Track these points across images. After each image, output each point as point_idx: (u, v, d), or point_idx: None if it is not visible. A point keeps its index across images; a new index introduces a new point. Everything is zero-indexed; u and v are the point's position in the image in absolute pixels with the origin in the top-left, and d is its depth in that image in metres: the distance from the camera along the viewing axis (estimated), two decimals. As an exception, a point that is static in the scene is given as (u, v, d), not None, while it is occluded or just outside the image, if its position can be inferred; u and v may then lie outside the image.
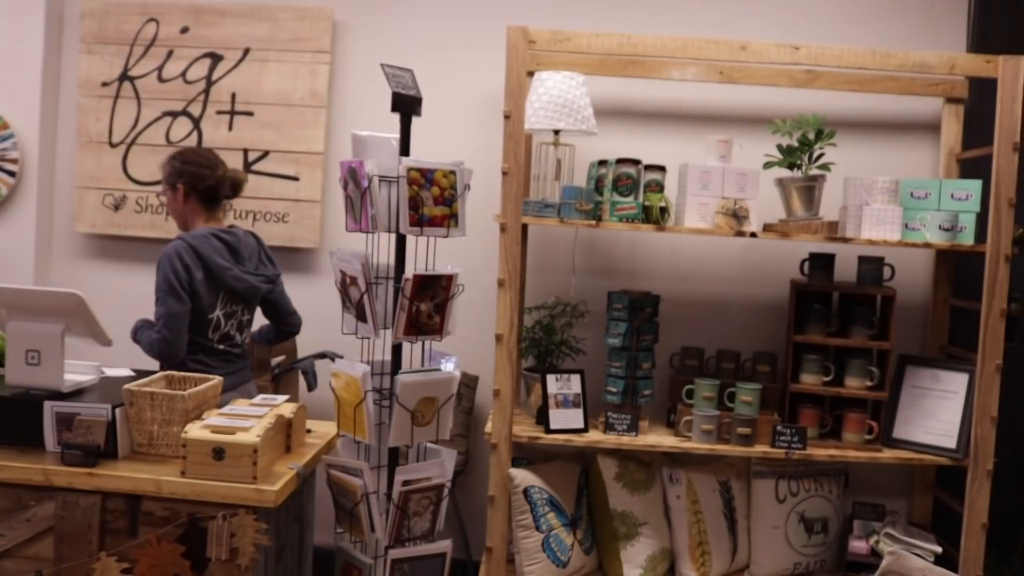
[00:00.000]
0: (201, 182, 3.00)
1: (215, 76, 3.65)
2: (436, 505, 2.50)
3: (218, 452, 2.22)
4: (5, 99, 3.70)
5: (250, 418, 2.36)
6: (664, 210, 3.21)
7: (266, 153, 3.64)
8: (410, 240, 2.46)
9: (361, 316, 2.40)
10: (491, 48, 3.57)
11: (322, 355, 3.45)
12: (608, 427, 3.25)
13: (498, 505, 3.13)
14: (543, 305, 3.47)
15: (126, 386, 2.37)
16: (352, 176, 2.41)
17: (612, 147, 3.51)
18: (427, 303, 2.40)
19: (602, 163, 3.26)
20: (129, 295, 3.55)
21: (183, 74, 3.67)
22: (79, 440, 2.29)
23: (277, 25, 3.62)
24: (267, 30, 3.62)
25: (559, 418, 3.25)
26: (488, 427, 3.15)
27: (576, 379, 3.29)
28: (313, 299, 3.65)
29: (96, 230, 3.74)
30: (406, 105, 2.47)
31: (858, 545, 3.26)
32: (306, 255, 3.72)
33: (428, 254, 2.47)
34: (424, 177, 2.37)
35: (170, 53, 3.67)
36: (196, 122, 3.67)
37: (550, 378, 3.25)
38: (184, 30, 3.66)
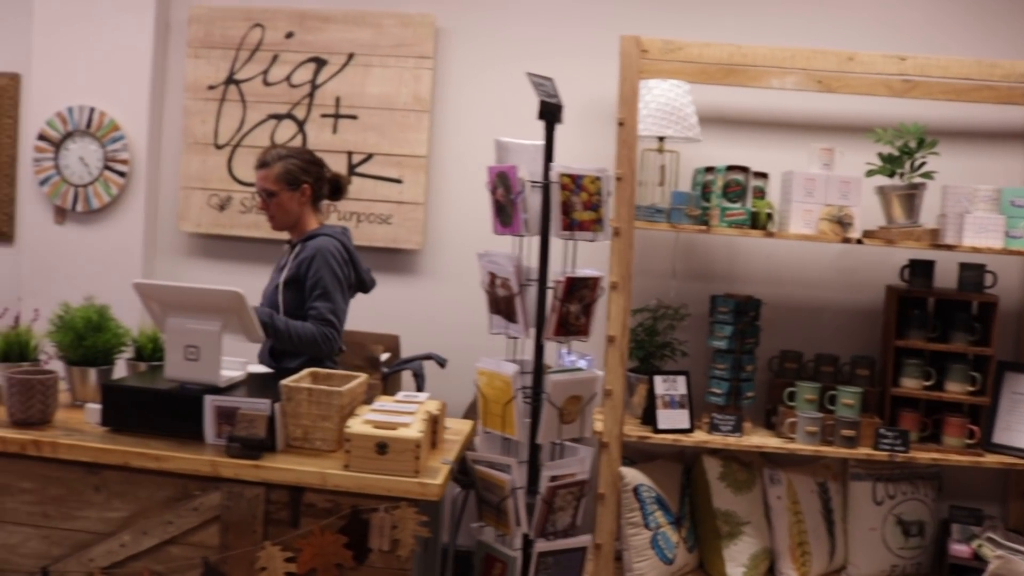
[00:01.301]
0: (324, 182, 3.03)
1: (320, 80, 3.73)
2: (578, 500, 2.57)
3: (381, 447, 2.29)
4: (116, 102, 3.79)
5: (402, 414, 2.43)
6: (770, 216, 3.29)
7: (370, 156, 3.71)
8: (521, 242, 2.53)
9: (511, 316, 2.48)
10: (590, 54, 3.67)
11: (428, 357, 3.52)
12: (713, 428, 3.32)
13: (608, 503, 3.20)
14: (645, 308, 3.55)
15: (284, 381, 2.44)
16: (503, 181, 2.48)
17: (711, 154, 3.59)
18: (576, 304, 2.47)
19: (708, 169, 3.34)
20: None
21: (288, 78, 3.75)
22: (242, 433, 2.36)
23: (381, 31, 3.70)
24: (371, 36, 3.70)
25: (666, 418, 3.32)
26: (598, 426, 3.22)
27: (682, 380, 3.37)
28: (416, 300, 3.73)
29: (201, 229, 3.83)
30: (550, 113, 2.55)
31: (960, 549, 3.33)
32: (409, 256, 3.80)
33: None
34: (574, 182, 2.45)
35: (275, 57, 3.75)
36: (301, 125, 3.75)
37: (657, 379, 3.33)
38: (289, 35, 3.75)
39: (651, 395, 3.33)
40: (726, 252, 3.72)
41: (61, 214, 3.87)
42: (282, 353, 2.95)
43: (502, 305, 2.52)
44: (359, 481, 2.29)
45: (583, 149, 3.69)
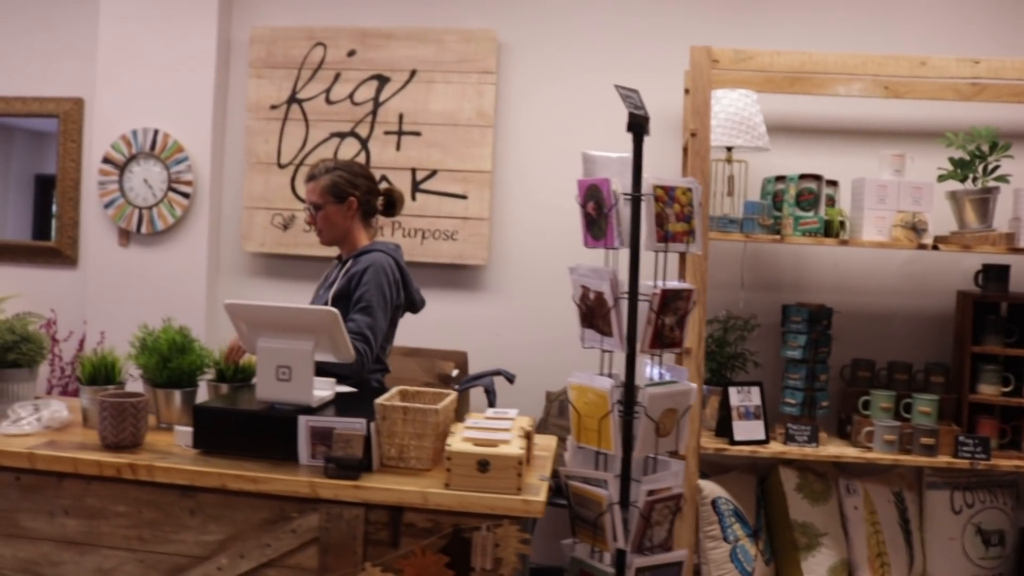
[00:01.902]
0: (374, 196, 2.98)
1: (382, 97, 3.74)
2: (673, 514, 2.55)
3: (483, 464, 2.28)
4: (179, 124, 3.81)
5: (498, 431, 2.42)
6: (842, 224, 3.27)
7: (434, 172, 3.72)
8: (600, 254, 2.52)
9: (605, 330, 2.46)
10: (651, 66, 3.66)
11: (498, 372, 3.50)
12: (788, 438, 3.29)
13: (686, 516, 3.17)
14: (715, 319, 3.52)
15: (379, 400, 2.43)
16: (594, 194, 2.47)
17: (776, 163, 3.57)
18: (670, 316, 2.46)
19: (779, 178, 3.32)
20: None
21: (351, 96, 3.76)
22: (339, 454, 2.35)
23: (443, 47, 3.71)
24: (433, 52, 3.71)
25: (742, 429, 3.29)
26: (675, 439, 3.19)
27: (756, 391, 3.34)
28: (482, 316, 3.73)
29: (264, 249, 3.84)
30: (639, 125, 2.53)
31: (1045, 556, 3.29)
32: (474, 272, 3.79)
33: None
34: (667, 194, 2.43)
35: (337, 76, 3.77)
36: (364, 142, 3.76)
37: (732, 390, 3.30)
38: (351, 53, 3.76)
39: (726, 407, 3.31)
40: (792, 261, 3.69)
41: (125, 236, 3.89)
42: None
43: (596, 319, 2.50)
44: (461, 499, 2.27)
45: (645, 160, 3.66)
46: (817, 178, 3.26)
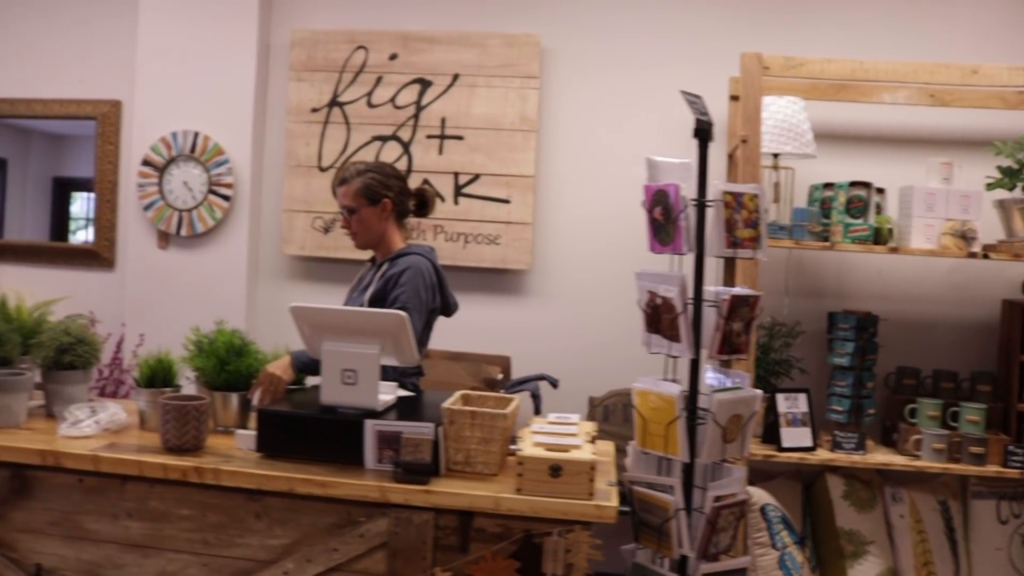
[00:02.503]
0: (407, 196, 2.93)
1: (424, 101, 3.74)
2: (738, 520, 2.54)
3: (555, 469, 2.26)
4: (219, 127, 3.80)
5: (566, 436, 2.41)
6: (890, 231, 3.27)
7: (476, 176, 3.71)
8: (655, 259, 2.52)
9: (673, 336, 2.45)
10: (694, 71, 3.67)
11: (542, 377, 3.49)
12: (836, 445, 3.29)
13: (735, 523, 3.16)
14: (760, 325, 3.52)
15: (446, 405, 2.42)
16: (661, 199, 2.47)
17: (821, 170, 3.57)
18: (738, 322, 2.45)
19: (827, 185, 3.32)
20: None
21: (392, 99, 3.76)
22: (408, 458, 2.34)
23: (486, 51, 3.70)
24: (476, 56, 3.71)
25: (790, 436, 3.29)
26: (725, 446, 3.19)
27: (803, 398, 3.34)
28: (525, 320, 3.72)
29: (304, 252, 3.82)
30: (704, 131, 2.53)
31: (1092, 564, 3.29)
32: (517, 276, 3.79)
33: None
34: (736, 200, 2.43)
35: (379, 79, 3.76)
36: (406, 146, 3.75)
37: (779, 397, 3.30)
38: (393, 57, 3.75)
39: (773, 413, 3.30)
40: (835, 268, 3.69)
41: (164, 239, 3.87)
42: None
43: (662, 324, 2.50)
44: (533, 505, 2.26)
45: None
46: (867, 185, 3.26)
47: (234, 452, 2.50)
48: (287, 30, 3.86)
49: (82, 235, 4.32)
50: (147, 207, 3.84)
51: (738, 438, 2.52)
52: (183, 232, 3.82)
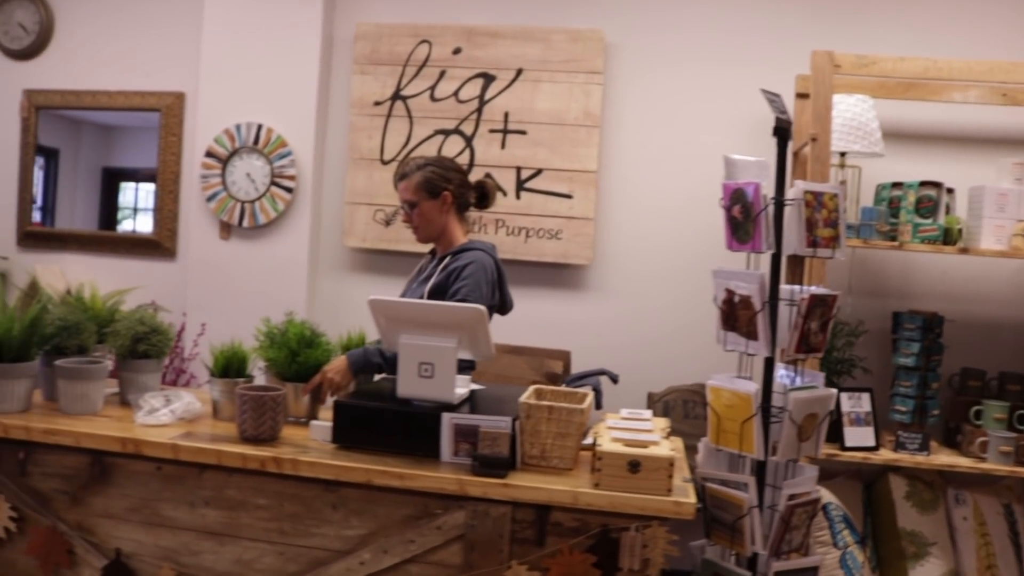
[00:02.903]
0: (467, 189, 2.94)
1: (488, 96, 3.74)
2: (810, 519, 2.53)
3: (634, 465, 2.27)
4: (283, 119, 3.83)
5: (643, 432, 2.41)
6: (959, 231, 3.23)
7: (539, 171, 3.71)
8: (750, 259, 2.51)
9: (751, 334, 2.45)
10: (756, 68, 3.65)
11: (602, 372, 3.49)
12: (899, 446, 3.27)
13: (798, 522, 3.15)
14: (823, 324, 3.50)
15: (522, 399, 2.43)
16: (740, 197, 2.46)
17: (888, 169, 3.53)
18: (815, 321, 2.44)
19: (895, 185, 3.29)
20: None
21: (456, 93, 3.76)
22: (486, 452, 2.35)
23: (550, 46, 3.70)
24: (540, 51, 3.70)
25: (853, 436, 3.27)
26: (788, 445, 3.17)
27: (866, 397, 3.32)
28: (585, 315, 3.72)
29: (366, 244, 3.85)
30: (784, 130, 2.52)
31: None
32: (578, 271, 3.79)
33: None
34: (816, 199, 2.42)
35: (442, 73, 3.77)
36: (468, 140, 3.76)
37: (843, 396, 3.28)
38: (456, 51, 3.76)
39: (836, 412, 3.28)
40: (899, 268, 3.66)
41: (226, 229, 3.91)
42: None
43: (739, 322, 2.49)
44: (612, 500, 2.26)
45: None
46: (937, 185, 3.23)
47: (308, 443, 2.52)
48: (350, 23, 3.88)
49: (128, 224, 4.39)
50: (210, 198, 3.88)
51: (812, 437, 2.51)
52: (245, 223, 3.86)
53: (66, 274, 4.04)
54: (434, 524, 2.35)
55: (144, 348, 2.80)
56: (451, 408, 2.44)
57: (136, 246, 4.12)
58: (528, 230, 3.72)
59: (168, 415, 2.63)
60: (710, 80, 3.71)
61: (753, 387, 2.44)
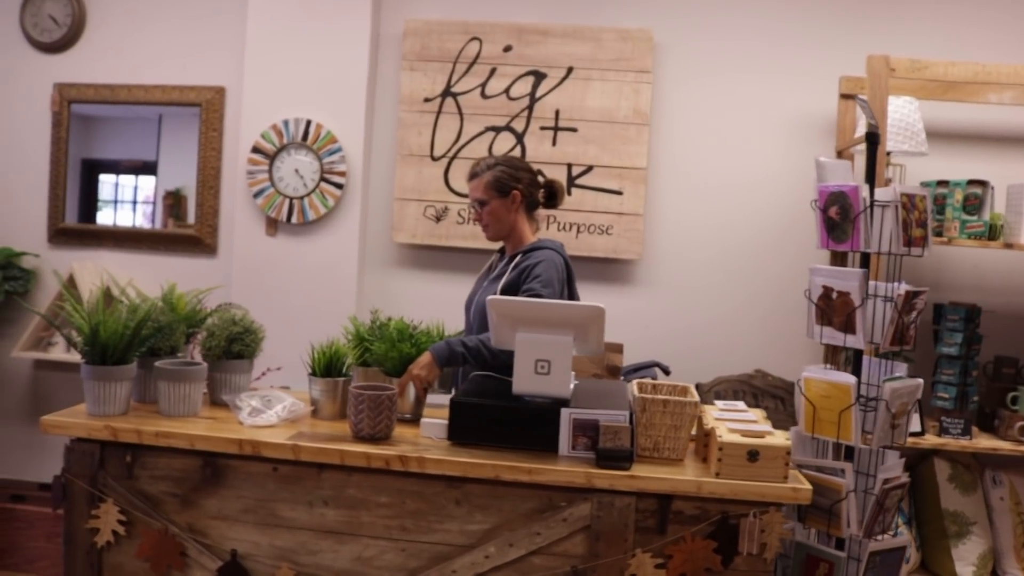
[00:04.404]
0: (536, 188, 3.02)
1: (538, 93, 3.80)
2: (900, 501, 2.68)
3: (752, 454, 2.38)
4: (333, 115, 3.83)
5: (751, 422, 2.52)
6: (1001, 227, 3.42)
7: (590, 168, 3.79)
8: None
9: (848, 328, 2.58)
10: (804, 68, 3.77)
11: (655, 364, 3.60)
12: (942, 430, 3.45)
13: (855, 505, 3.31)
14: (868, 315, 3.66)
15: (639, 394, 2.52)
16: (839, 199, 2.58)
17: (928, 167, 3.70)
18: (909, 315, 2.58)
19: (941, 183, 3.46)
20: (439, 301, 3.66)
21: (507, 91, 3.81)
22: (608, 445, 2.43)
23: (600, 45, 3.77)
24: (590, 50, 3.77)
25: (903, 422, 3.44)
26: (846, 431, 3.33)
27: (913, 386, 3.49)
28: (634, 309, 3.82)
29: (416, 240, 3.87)
30: (874, 135, 2.66)
31: None
32: (628, 266, 3.88)
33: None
34: (910, 201, 2.55)
35: (493, 71, 3.81)
36: (519, 137, 3.81)
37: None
38: (507, 48, 3.81)
39: (885, 400, 3.44)
40: (933, 261, 3.84)
41: (273, 226, 3.89)
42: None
43: (837, 317, 2.62)
44: (733, 488, 2.37)
45: (788, 163, 3.80)
46: (983, 184, 3.40)
47: (420, 440, 2.57)
48: (397, 19, 3.89)
49: (109, 217, 4.33)
50: (257, 194, 3.86)
51: (901, 424, 2.66)
52: (294, 219, 3.84)
53: (104, 272, 3.97)
54: (560, 516, 2.43)
55: (238, 348, 2.80)
56: (565, 403, 2.52)
57: (176, 243, 4.06)
58: (579, 226, 3.80)
59: (274, 416, 2.64)
60: (755, 80, 3.83)
61: (851, 379, 2.58)
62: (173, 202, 4.28)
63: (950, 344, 3.50)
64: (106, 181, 4.57)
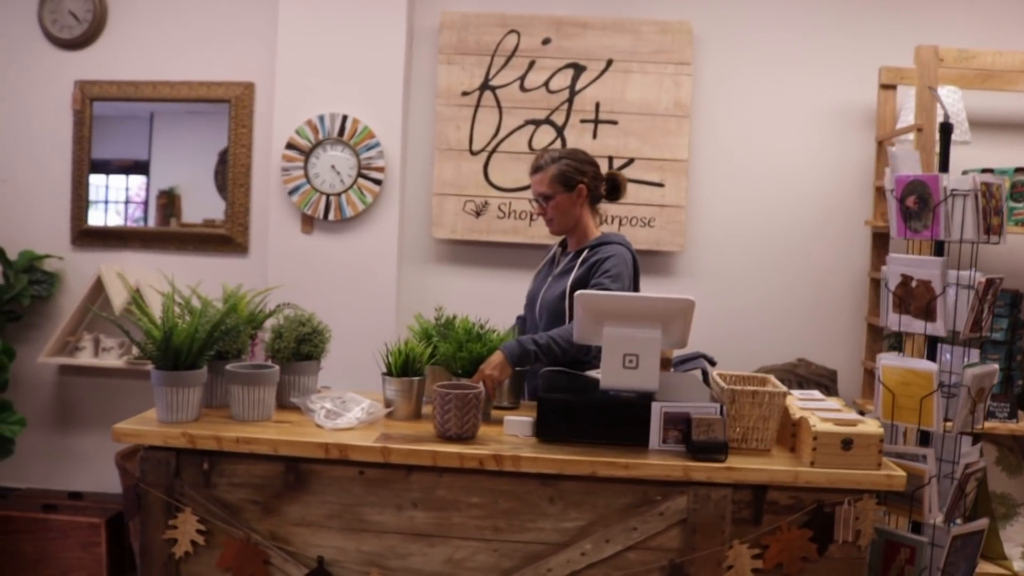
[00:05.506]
0: (600, 181, 2.99)
1: (578, 86, 3.77)
2: (979, 485, 2.71)
3: (846, 443, 2.38)
4: (370, 110, 3.76)
5: (835, 411, 2.53)
6: (1045, 214, 3.48)
7: (631, 160, 3.77)
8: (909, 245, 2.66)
9: (929, 316, 2.59)
10: (842, 58, 3.79)
11: (700, 356, 3.59)
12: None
13: (906, 490, 3.34)
14: (911, 302, 3.70)
15: (727, 386, 2.51)
16: (918, 188, 2.59)
17: (967, 155, 3.74)
18: (987, 302, 2.60)
19: (985, 171, 3.50)
20: (480, 297, 3.67)
21: (546, 84, 3.78)
22: (702, 438, 2.42)
23: (639, 37, 3.75)
24: (629, 42, 3.75)
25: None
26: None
27: (960, 371, 3.53)
28: (679, 300, 3.81)
29: (456, 236, 3.83)
30: (948, 126, 2.68)
31: None
32: (670, 258, 3.88)
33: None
34: (988, 189, 2.57)
35: (532, 63, 3.77)
36: (560, 130, 3.78)
37: (941, 370, 3.48)
38: (546, 41, 3.77)
39: (933, 386, 3.48)
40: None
41: (309, 223, 3.81)
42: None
43: (915, 305, 2.63)
44: (829, 476, 2.37)
45: (827, 153, 3.82)
46: (1029, 171, 3.45)
47: (505, 438, 2.53)
48: (433, 11, 3.83)
49: (100, 218, 4.16)
50: (292, 191, 3.78)
51: (979, 409, 2.68)
52: (331, 216, 3.77)
53: (136, 272, 3.87)
54: (656, 510, 2.41)
55: (307, 349, 2.75)
56: (651, 397, 2.50)
57: (205, 242, 3.97)
58: (621, 218, 3.78)
59: (354, 418, 2.58)
60: (794, 71, 3.84)
61: (932, 366, 2.60)
62: (167, 202, 4.18)
63: (997, 329, 3.54)
64: (96, 183, 4.44)
